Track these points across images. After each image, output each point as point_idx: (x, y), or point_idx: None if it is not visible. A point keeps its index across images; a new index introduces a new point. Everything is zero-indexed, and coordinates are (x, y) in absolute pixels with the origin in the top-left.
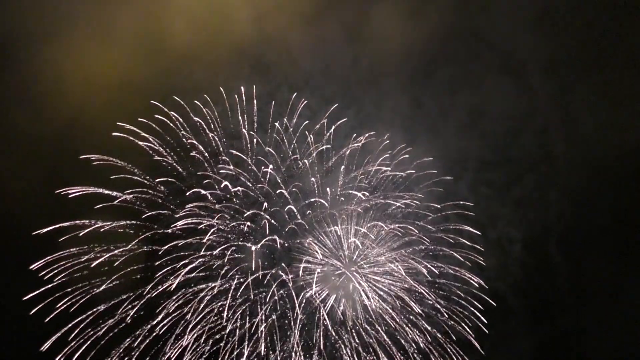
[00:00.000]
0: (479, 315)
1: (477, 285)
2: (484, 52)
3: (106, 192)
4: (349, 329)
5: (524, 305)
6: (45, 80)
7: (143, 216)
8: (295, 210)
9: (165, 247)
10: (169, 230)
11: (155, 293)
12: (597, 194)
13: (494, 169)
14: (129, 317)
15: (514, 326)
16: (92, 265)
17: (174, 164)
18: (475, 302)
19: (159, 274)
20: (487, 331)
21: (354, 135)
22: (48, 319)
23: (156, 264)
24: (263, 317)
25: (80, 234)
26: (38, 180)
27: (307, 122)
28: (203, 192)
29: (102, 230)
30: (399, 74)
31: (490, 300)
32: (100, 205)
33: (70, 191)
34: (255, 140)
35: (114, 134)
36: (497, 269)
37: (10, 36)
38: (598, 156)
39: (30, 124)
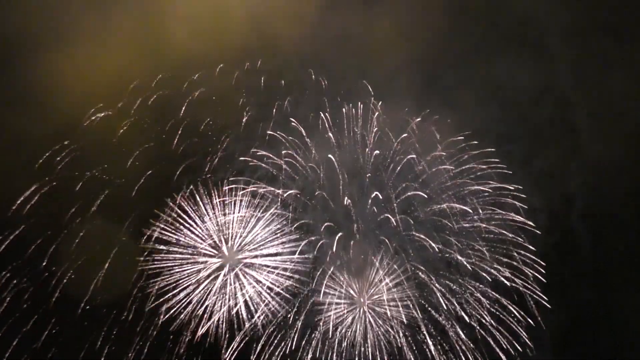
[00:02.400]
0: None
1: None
2: (501, 20)
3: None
4: None
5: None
6: (48, 82)
7: None
8: None
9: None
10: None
11: None
12: (620, 166)
13: (514, 141)
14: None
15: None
16: None
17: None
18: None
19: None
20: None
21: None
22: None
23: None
24: None
25: None
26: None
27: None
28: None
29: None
30: (413, 46)
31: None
32: None
33: None
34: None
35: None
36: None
37: (12, 38)
38: (621, 127)
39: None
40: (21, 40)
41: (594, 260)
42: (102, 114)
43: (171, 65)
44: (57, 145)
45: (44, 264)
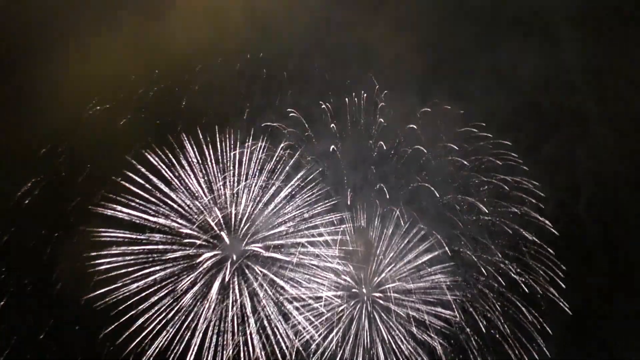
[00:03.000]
0: None
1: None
2: (508, 7)
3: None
4: None
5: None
6: (47, 78)
7: None
8: None
9: None
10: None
11: None
12: (627, 153)
13: (520, 127)
14: None
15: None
16: None
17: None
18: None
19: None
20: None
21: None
22: None
23: None
24: None
25: None
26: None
27: None
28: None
29: None
30: (418, 31)
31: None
32: None
33: None
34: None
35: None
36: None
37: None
38: (628, 114)
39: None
40: (20, 36)
41: (600, 247)
42: (102, 108)
43: (172, 58)
44: (57, 140)
45: (45, 258)
